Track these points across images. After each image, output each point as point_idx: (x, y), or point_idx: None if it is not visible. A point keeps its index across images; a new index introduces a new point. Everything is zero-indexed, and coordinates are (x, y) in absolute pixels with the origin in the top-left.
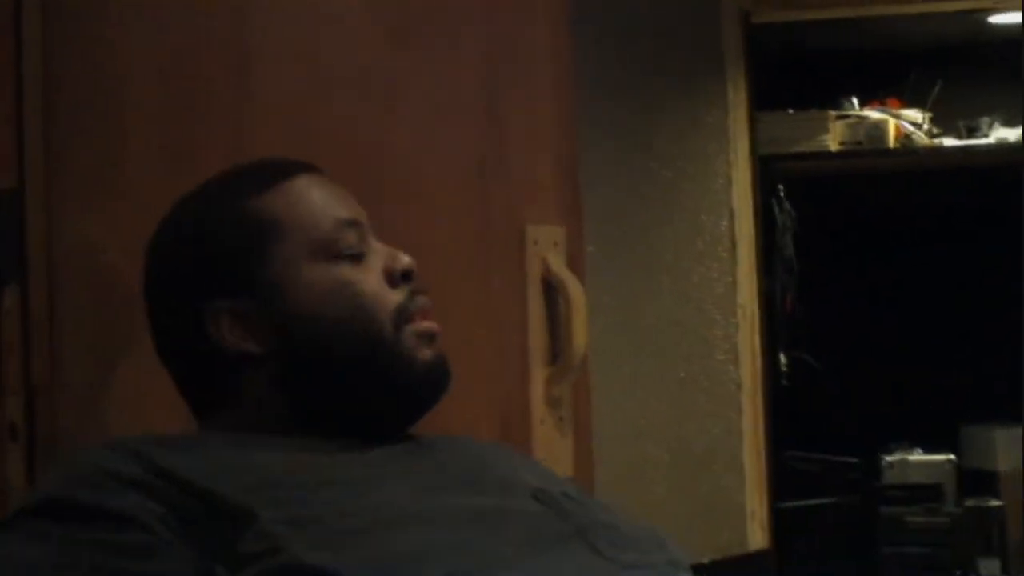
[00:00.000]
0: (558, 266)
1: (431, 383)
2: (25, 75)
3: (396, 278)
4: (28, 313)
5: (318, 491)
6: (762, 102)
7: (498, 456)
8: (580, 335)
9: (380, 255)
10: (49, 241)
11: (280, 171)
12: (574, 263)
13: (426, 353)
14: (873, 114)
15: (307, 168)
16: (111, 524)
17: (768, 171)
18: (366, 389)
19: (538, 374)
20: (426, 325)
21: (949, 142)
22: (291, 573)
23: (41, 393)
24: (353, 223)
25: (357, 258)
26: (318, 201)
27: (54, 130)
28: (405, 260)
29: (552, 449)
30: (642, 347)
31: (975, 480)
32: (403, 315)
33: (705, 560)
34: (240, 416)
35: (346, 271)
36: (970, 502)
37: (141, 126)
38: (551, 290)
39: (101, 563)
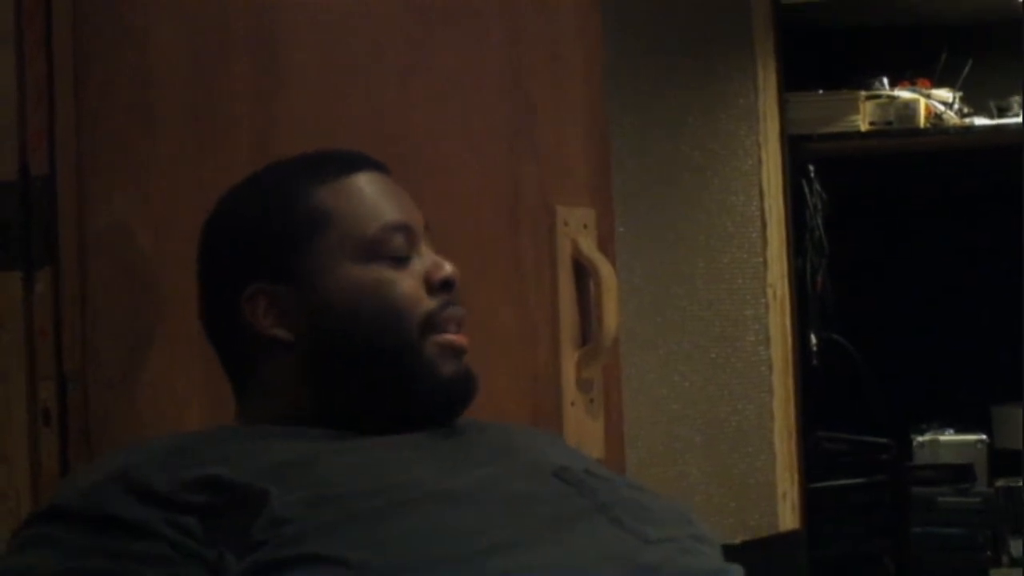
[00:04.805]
0: (589, 248)
1: (451, 398)
2: (55, 62)
3: (435, 286)
4: (60, 298)
5: (335, 471)
6: (792, 82)
7: (523, 437)
8: (611, 317)
9: (425, 262)
10: (80, 226)
11: (342, 165)
12: (604, 245)
13: (449, 367)
14: (903, 94)
15: (371, 166)
16: (120, 533)
17: (798, 151)
18: (388, 390)
19: (569, 356)
20: (452, 339)
21: (980, 122)
22: (296, 561)
23: (73, 378)
24: (403, 228)
25: (401, 261)
26: (371, 201)
27: (85, 116)
28: (448, 270)
29: (583, 431)
30: (673, 328)
31: (1007, 460)
32: (430, 322)
33: (737, 541)
34: (269, 405)
35: (384, 272)
36: (1001, 482)
37: (170, 110)
38: (582, 272)
39: (109, 569)
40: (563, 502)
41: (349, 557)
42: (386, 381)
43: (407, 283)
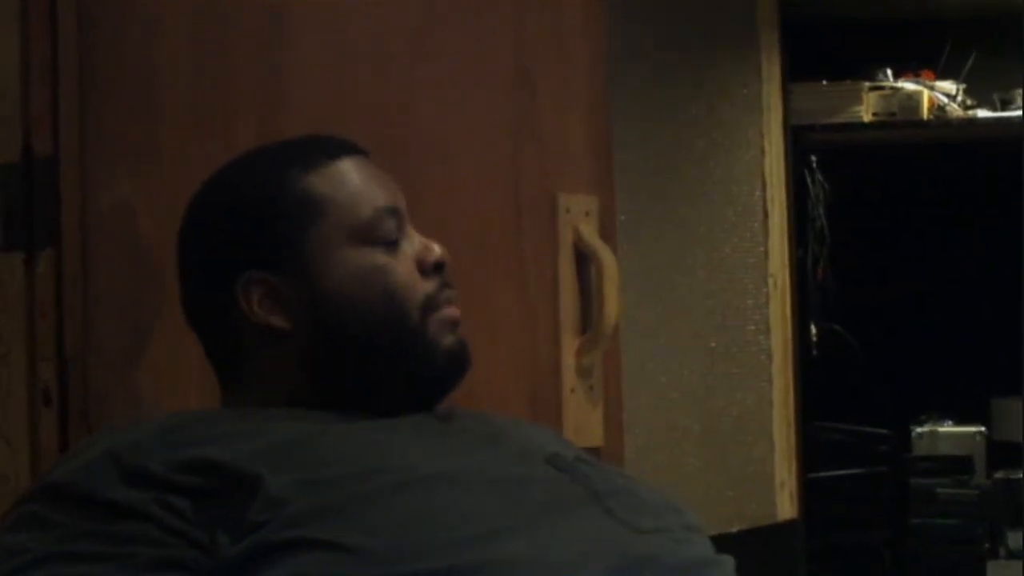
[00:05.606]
0: (590, 235)
1: (451, 369)
2: (60, 42)
3: (428, 268)
4: (62, 279)
5: (329, 454)
6: (795, 73)
7: (513, 425)
8: (612, 304)
9: (414, 244)
10: (83, 207)
11: (326, 151)
12: (606, 232)
13: (448, 339)
14: (907, 85)
15: (353, 150)
16: (111, 515)
17: (801, 142)
18: (387, 372)
19: (569, 343)
20: (450, 312)
21: (983, 114)
22: (299, 544)
23: (74, 358)
24: (392, 211)
25: (392, 245)
26: (360, 185)
27: (89, 96)
28: (438, 252)
29: (582, 418)
30: (673, 317)
31: (1005, 452)
32: (431, 304)
33: (734, 529)
34: (261, 391)
35: (380, 257)
36: (999, 474)
37: (174, 92)
38: (583, 259)
39: (99, 552)
40: (556, 488)
41: (347, 542)
42: (386, 365)
43: (403, 267)
